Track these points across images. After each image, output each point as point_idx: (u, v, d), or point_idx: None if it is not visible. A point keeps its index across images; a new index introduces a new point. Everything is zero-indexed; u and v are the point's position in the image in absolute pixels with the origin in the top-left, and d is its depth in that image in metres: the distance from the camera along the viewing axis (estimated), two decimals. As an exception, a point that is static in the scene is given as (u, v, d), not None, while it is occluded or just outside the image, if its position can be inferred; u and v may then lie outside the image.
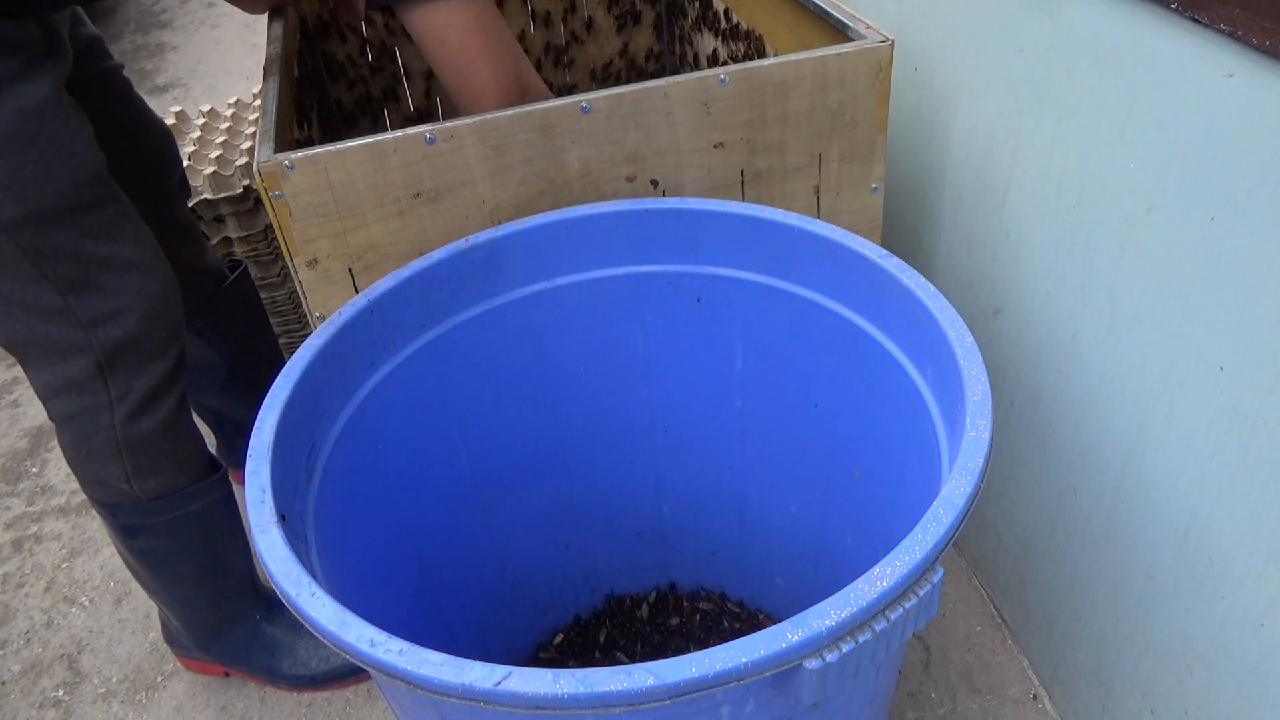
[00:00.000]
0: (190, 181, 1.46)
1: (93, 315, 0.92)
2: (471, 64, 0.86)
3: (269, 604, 1.23)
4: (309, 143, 1.12)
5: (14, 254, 0.86)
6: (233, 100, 1.77)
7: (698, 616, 1.21)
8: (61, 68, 0.87)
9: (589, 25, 1.62)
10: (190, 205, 1.45)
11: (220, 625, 1.19)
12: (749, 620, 1.21)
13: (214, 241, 1.50)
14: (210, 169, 1.48)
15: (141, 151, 1.14)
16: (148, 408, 0.99)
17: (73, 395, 0.96)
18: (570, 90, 1.69)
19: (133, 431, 0.98)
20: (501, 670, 0.51)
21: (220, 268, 1.33)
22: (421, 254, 0.87)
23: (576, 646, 1.19)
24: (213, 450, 1.28)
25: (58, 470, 1.66)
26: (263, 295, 1.59)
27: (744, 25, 1.29)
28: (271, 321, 1.63)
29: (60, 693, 1.28)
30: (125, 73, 1.13)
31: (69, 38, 0.96)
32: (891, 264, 0.79)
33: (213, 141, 1.61)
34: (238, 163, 1.54)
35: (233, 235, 1.51)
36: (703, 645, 1.17)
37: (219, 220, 1.50)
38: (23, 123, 0.82)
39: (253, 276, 1.56)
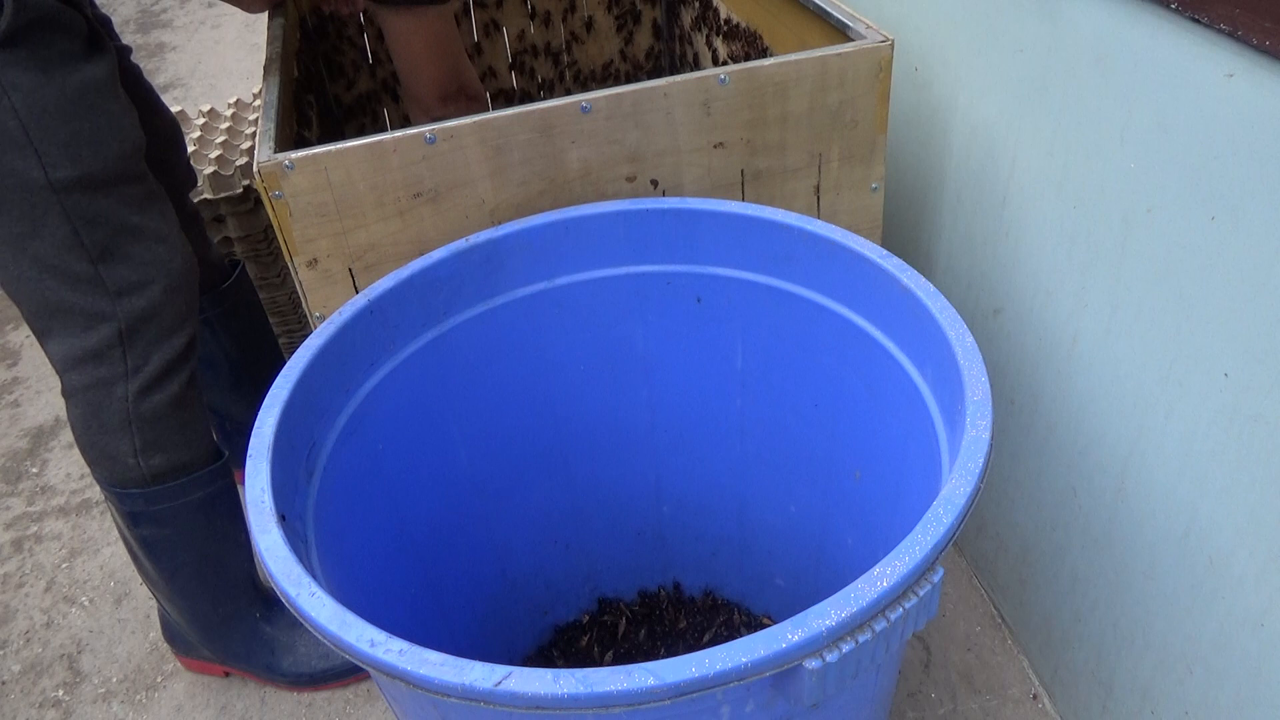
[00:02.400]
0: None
1: (120, 285, 0.95)
2: (417, 64, 1.04)
3: (269, 602, 1.23)
4: (309, 143, 1.12)
5: (58, 217, 0.90)
6: (233, 100, 1.77)
7: (697, 616, 1.21)
8: (112, 57, 0.93)
9: (589, 25, 1.62)
10: None
11: (220, 622, 1.19)
12: (749, 620, 1.21)
13: (215, 240, 1.50)
14: (210, 169, 1.48)
15: (154, 135, 1.16)
16: (161, 381, 1.01)
17: (90, 366, 0.98)
18: (570, 90, 1.69)
19: (145, 404, 1.01)
20: (501, 670, 0.51)
21: (222, 261, 1.35)
22: (421, 254, 0.87)
23: (576, 646, 1.19)
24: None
25: (58, 470, 1.66)
26: (262, 295, 1.59)
27: (744, 25, 1.29)
28: (271, 322, 1.63)
29: (60, 693, 1.28)
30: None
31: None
32: (891, 264, 0.79)
33: (213, 141, 1.61)
34: (238, 163, 1.54)
35: (233, 235, 1.51)
36: (702, 645, 1.17)
37: (219, 220, 1.50)
38: (85, 92, 0.89)
39: (252, 276, 1.56)
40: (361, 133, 0.84)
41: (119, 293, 0.96)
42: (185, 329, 1.02)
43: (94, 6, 1.07)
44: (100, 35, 0.93)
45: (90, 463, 1.05)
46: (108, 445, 1.03)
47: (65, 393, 1.01)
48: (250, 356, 1.41)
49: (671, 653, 1.19)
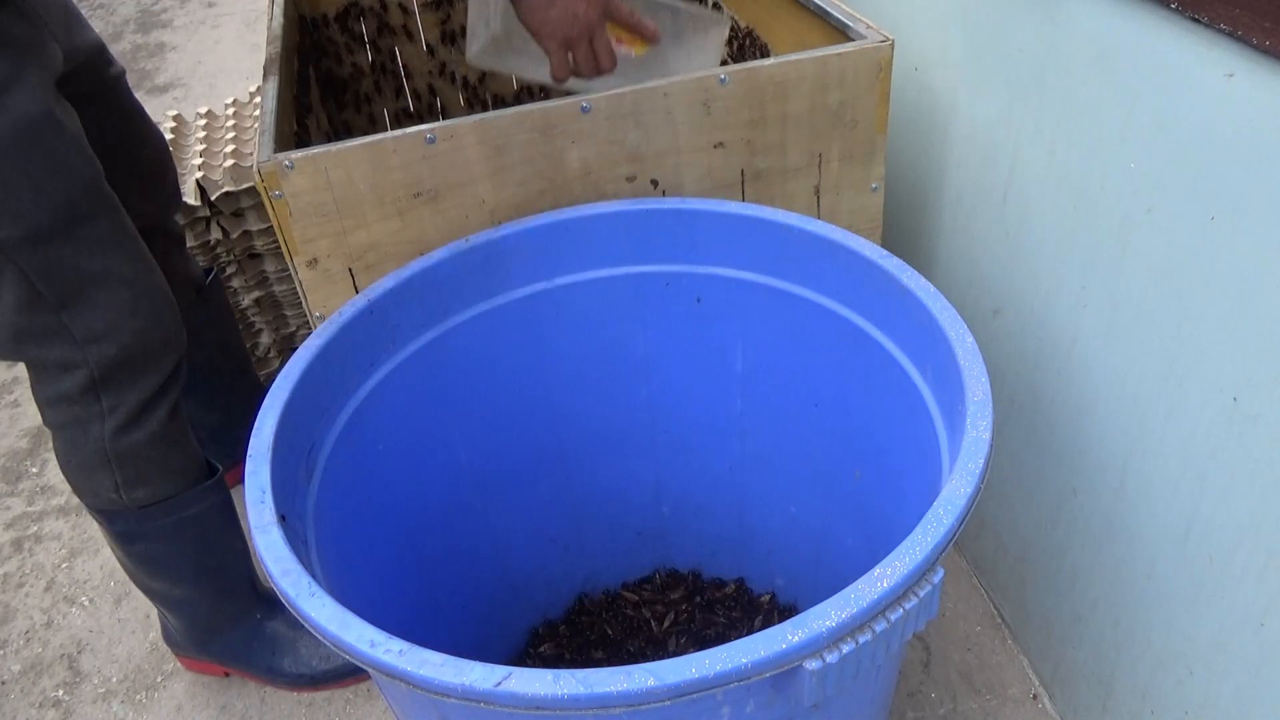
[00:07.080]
0: (209, 175, 1.46)
1: (86, 333, 0.92)
2: None
3: (269, 603, 1.22)
4: (310, 141, 1.12)
5: (14, 276, 0.87)
6: (231, 100, 1.77)
7: (698, 617, 1.21)
8: (51, 66, 0.87)
9: (589, 25, 1.62)
10: (211, 199, 1.44)
11: (220, 626, 1.19)
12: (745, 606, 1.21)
13: (235, 235, 1.49)
14: (229, 162, 1.48)
15: (139, 161, 1.13)
16: (138, 420, 0.99)
17: (64, 406, 0.96)
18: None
19: (122, 443, 0.99)
20: (501, 671, 0.51)
21: (200, 274, 1.32)
22: (421, 254, 0.87)
23: (577, 647, 1.19)
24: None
25: (58, 470, 1.66)
26: (278, 288, 1.58)
27: (744, 25, 1.29)
28: (289, 314, 1.62)
29: (60, 693, 1.28)
30: (127, 76, 1.12)
31: (74, 45, 0.96)
32: (891, 264, 0.79)
33: (224, 138, 1.61)
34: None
35: (253, 228, 1.50)
36: (702, 646, 1.17)
37: (238, 215, 1.49)
38: (16, 137, 0.82)
39: (271, 270, 1.55)
40: (362, 134, 0.84)
41: (86, 340, 0.92)
42: (163, 365, 0.99)
43: (87, 30, 1.00)
44: (39, 31, 0.86)
45: (74, 491, 1.04)
46: (88, 480, 1.01)
47: (46, 424, 1.00)
48: (223, 362, 1.37)
49: (671, 653, 1.19)
